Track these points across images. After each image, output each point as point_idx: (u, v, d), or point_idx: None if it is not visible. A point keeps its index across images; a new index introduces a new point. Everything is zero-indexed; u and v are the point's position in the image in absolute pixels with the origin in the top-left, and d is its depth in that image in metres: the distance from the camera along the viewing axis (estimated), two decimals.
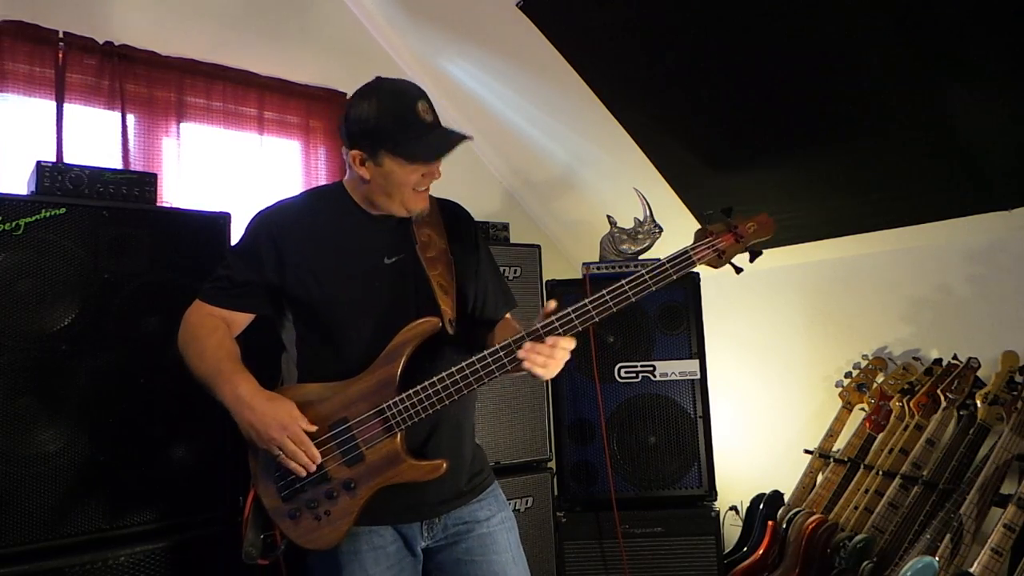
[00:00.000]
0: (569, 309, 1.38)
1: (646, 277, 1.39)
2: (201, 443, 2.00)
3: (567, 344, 1.38)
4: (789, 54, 2.33)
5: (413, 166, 1.43)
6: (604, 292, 1.38)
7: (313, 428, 1.39)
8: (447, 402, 1.40)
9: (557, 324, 1.37)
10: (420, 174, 1.45)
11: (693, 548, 2.59)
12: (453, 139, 1.43)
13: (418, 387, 1.39)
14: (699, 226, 1.47)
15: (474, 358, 1.40)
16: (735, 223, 1.46)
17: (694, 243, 1.44)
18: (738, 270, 1.49)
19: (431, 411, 1.40)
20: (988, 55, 1.99)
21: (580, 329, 1.38)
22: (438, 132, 1.44)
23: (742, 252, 1.47)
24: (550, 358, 1.37)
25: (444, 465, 1.42)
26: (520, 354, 1.36)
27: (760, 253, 1.49)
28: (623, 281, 1.39)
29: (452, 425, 1.51)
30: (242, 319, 1.53)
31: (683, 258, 1.41)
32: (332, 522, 1.40)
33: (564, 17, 2.75)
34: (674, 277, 1.40)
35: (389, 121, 1.40)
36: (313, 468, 1.38)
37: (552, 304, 1.39)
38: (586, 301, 1.38)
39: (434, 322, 1.44)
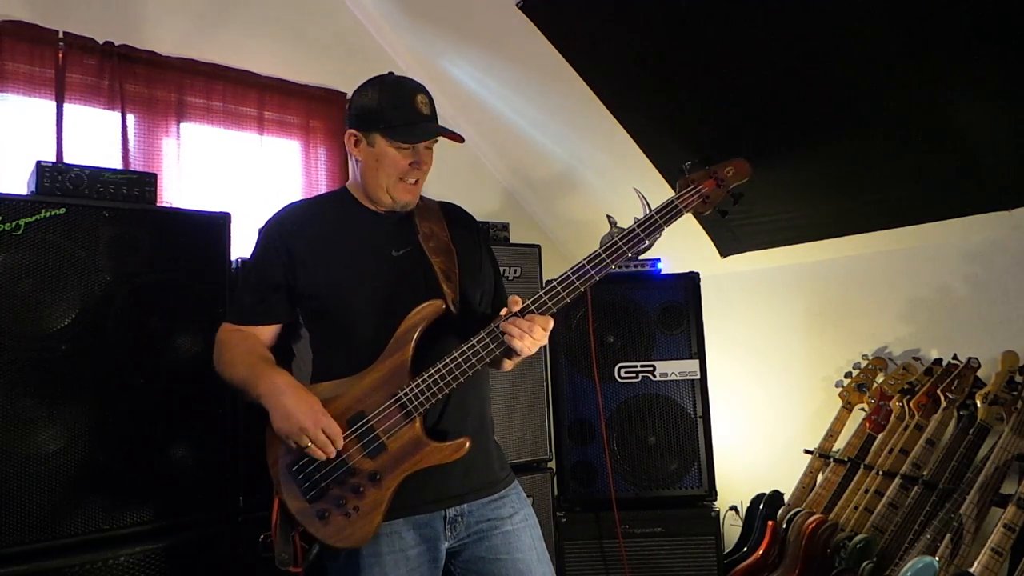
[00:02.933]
0: (555, 284, 1.42)
1: (638, 231, 1.43)
2: (201, 443, 2.00)
3: (544, 323, 1.41)
4: (789, 55, 2.33)
5: (401, 151, 1.49)
6: (600, 250, 1.42)
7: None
8: (462, 379, 1.41)
9: (558, 286, 1.42)
10: (408, 162, 1.50)
11: (693, 548, 2.58)
12: (441, 129, 1.50)
13: (431, 369, 1.40)
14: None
15: (483, 331, 1.41)
16: (714, 169, 1.50)
17: (679, 192, 1.48)
18: (723, 213, 1.54)
19: (447, 391, 1.40)
20: (988, 55, 1.99)
21: (582, 288, 1.42)
22: (432, 123, 1.51)
23: (725, 196, 1.51)
24: (528, 332, 1.38)
25: (467, 443, 1.42)
26: (503, 325, 1.39)
27: (742, 195, 1.54)
28: (616, 237, 1.43)
29: (473, 414, 1.53)
30: (271, 332, 1.56)
31: (670, 207, 1.46)
32: (362, 517, 1.39)
33: (564, 17, 2.75)
34: (665, 228, 1.44)
35: (387, 104, 1.49)
36: (332, 451, 1.38)
37: (518, 302, 1.42)
38: (585, 259, 1.42)
39: (438, 304, 1.45)
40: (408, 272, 1.52)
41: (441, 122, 1.54)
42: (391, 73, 1.56)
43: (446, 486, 1.46)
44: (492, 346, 1.41)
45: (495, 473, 1.55)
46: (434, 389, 1.40)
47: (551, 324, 1.43)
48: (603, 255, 1.42)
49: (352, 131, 1.52)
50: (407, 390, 1.40)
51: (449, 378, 1.40)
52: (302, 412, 1.37)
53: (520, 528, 1.53)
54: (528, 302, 1.41)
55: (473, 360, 1.41)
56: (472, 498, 1.49)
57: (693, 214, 1.50)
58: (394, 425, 1.40)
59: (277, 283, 1.52)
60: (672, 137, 2.97)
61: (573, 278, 1.42)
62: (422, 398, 1.40)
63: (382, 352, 1.43)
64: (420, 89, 1.52)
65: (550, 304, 1.42)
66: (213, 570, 1.95)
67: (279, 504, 1.43)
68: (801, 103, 2.45)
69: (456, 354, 1.41)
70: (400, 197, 1.52)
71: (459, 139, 1.52)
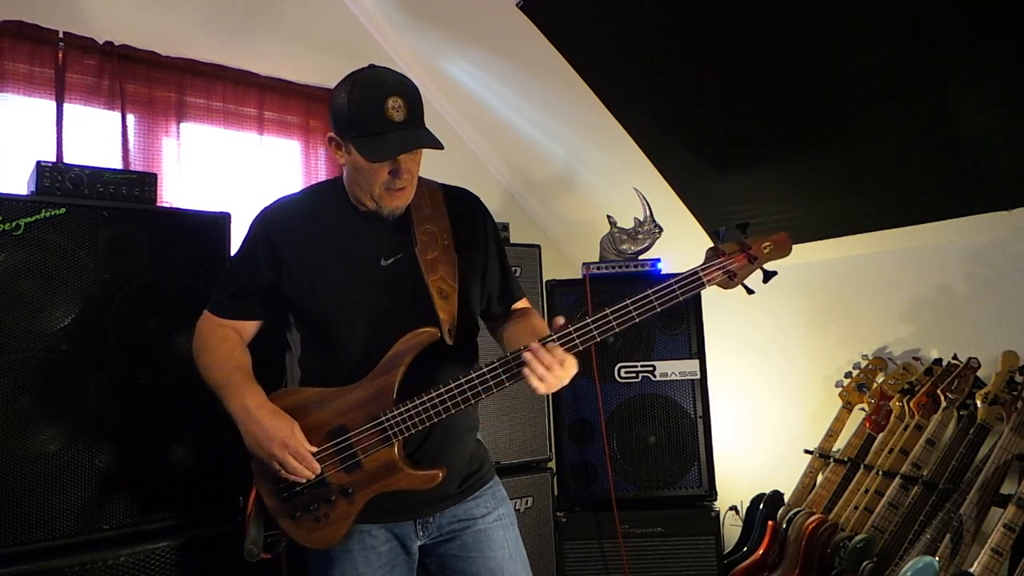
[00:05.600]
0: (570, 328, 1.34)
1: (652, 299, 1.35)
2: (201, 443, 2.00)
3: (572, 363, 1.33)
4: (789, 53, 2.33)
5: (372, 163, 1.36)
6: (608, 312, 1.34)
7: (314, 449, 1.40)
8: (444, 416, 1.38)
9: (555, 339, 1.33)
10: (387, 171, 1.38)
11: (693, 548, 2.59)
12: (412, 141, 1.35)
13: (416, 400, 1.38)
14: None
15: (473, 374, 1.37)
16: (749, 244, 1.38)
17: (704, 263, 1.38)
18: (749, 291, 1.43)
19: (428, 423, 1.39)
20: (989, 56, 1.99)
21: (580, 348, 1.34)
22: (404, 132, 1.35)
23: (754, 272, 1.41)
24: (549, 369, 1.30)
25: (441, 475, 1.41)
26: (526, 355, 1.30)
27: (775, 274, 1.40)
28: (628, 302, 1.34)
29: (454, 431, 1.50)
30: (252, 326, 1.55)
31: (692, 279, 1.37)
32: (331, 523, 1.42)
33: (564, 17, 2.75)
34: (681, 298, 1.36)
35: (356, 113, 1.35)
36: (312, 477, 1.40)
37: (561, 320, 1.36)
38: (588, 321, 1.34)
39: (433, 332, 1.41)
40: (397, 283, 1.46)
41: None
42: (371, 66, 1.43)
43: (417, 495, 1.45)
44: (503, 377, 1.35)
45: (469, 480, 1.53)
46: (415, 420, 1.38)
47: (575, 366, 1.33)
48: (610, 317, 1.32)
49: (331, 134, 1.44)
50: (390, 415, 1.38)
51: (432, 412, 1.38)
52: (270, 440, 1.37)
53: (493, 527, 1.52)
54: (552, 335, 1.33)
55: (459, 400, 1.37)
56: (440, 508, 1.49)
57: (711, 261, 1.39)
58: (372, 446, 1.40)
59: (259, 283, 1.49)
60: (672, 136, 2.97)
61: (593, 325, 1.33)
62: (403, 426, 1.38)
63: (370, 366, 1.41)
64: (395, 90, 1.35)
65: (577, 341, 1.32)
66: (213, 570, 1.95)
67: (256, 495, 1.45)
68: (802, 103, 2.45)
69: (443, 389, 1.37)
70: (387, 204, 1.43)
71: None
